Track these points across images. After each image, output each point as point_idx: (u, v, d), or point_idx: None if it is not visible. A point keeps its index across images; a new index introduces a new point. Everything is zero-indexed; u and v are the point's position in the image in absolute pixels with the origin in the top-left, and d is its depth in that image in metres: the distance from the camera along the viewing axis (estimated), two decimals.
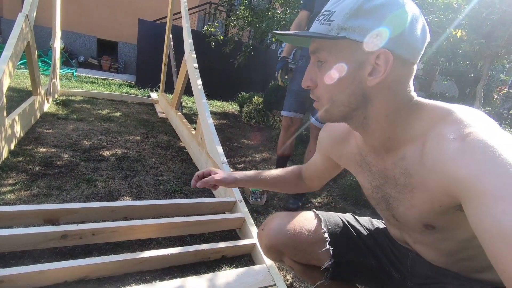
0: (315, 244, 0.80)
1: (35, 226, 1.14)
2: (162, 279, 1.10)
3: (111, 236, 1.17)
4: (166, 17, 3.94)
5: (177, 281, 1.04)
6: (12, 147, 1.87)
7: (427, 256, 0.70)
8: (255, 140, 3.30)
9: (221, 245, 1.25)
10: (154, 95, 4.28)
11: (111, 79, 5.59)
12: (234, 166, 2.40)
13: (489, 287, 0.62)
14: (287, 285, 1.13)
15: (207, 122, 1.93)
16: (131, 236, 1.22)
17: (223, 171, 0.90)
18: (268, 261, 1.20)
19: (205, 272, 1.17)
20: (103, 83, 4.82)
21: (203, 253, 1.22)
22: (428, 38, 0.55)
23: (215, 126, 1.93)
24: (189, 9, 2.76)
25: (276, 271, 1.18)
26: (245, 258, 1.32)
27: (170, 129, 2.97)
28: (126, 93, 4.16)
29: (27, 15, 1.99)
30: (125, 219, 1.32)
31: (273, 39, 4.25)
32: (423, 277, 0.72)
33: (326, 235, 0.81)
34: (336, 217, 0.87)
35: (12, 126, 1.84)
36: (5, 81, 1.63)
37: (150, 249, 1.24)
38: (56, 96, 3.20)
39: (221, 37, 4.24)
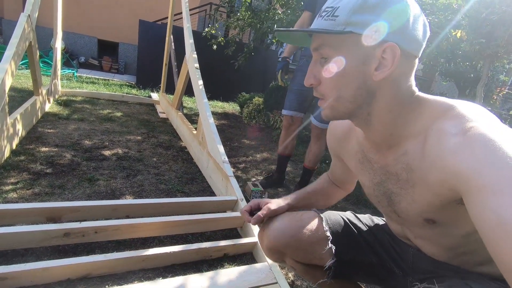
0: (316, 244, 0.80)
1: (37, 224, 1.14)
2: (164, 277, 1.10)
3: (113, 234, 1.17)
4: (166, 18, 3.96)
5: (179, 279, 1.04)
6: (14, 146, 1.87)
7: (428, 251, 0.71)
8: (255, 140, 3.31)
9: (223, 243, 1.26)
10: (154, 95, 4.29)
11: (111, 80, 5.60)
12: (235, 166, 2.41)
13: (489, 280, 0.63)
14: (288, 283, 1.13)
15: (208, 122, 1.93)
16: (133, 234, 1.22)
17: (272, 200, 0.87)
18: (270, 260, 1.21)
19: (207, 270, 1.18)
20: (104, 84, 4.83)
21: (205, 251, 1.22)
22: (428, 33, 0.56)
23: (216, 126, 1.93)
24: (189, 10, 2.77)
25: (278, 269, 1.18)
26: (246, 256, 1.32)
27: (171, 129, 2.97)
28: (126, 93, 4.16)
29: (29, 15, 2.00)
30: (127, 217, 1.32)
31: (273, 40, 4.27)
32: (424, 272, 0.73)
33: (328, 233, 0.81)
34: (337, 216, 0.87)
35: (14, 126, 1.85)
36: (7, 81, 1.64)
37: (152, 247, 1.24)
38: (57, 96, 3.21)
39: (222, 38, 4.25)
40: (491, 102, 5.58)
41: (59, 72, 3.27)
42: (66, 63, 5.89)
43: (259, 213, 0.81)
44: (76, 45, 6.90)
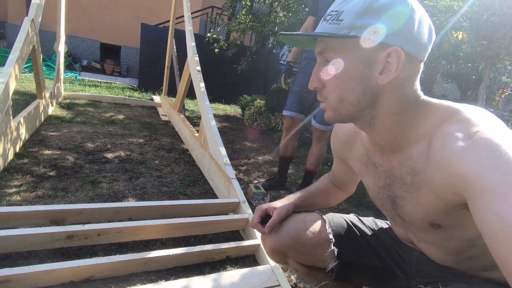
0: (319, 246, 0.80)
1: (41, 226, 1.15)
2: (167, 279, 1.10)
3: (116, 236, 1.17)
4: (168, 21, 3.99)
5: (182, 281, 1.04)
6: (18, 149, 1.88)
7: (432, 255, 0.70)
8: (257, 143, 3.31)
9: (225, 245, 1.26)
10: (156, 98, 4.31)
11: (114, 83, 5.63)
12: (237, 168, 2.41)
13: (494, 285, 0.62)
14: (291, 286, 1.13)
15: (210, 124, 1.94)
16: (136, 237, 1.23)
17: (278, 203, 0.87)
18: (272, 262, 1.20)
19: (210, 273, 1.18)
20: (106, 87, 4.86)
21: (208, 254, 1.22)
22: (434, 36, 0.55)
23: (218, 129, 1.94)
24: (191, 13, 2.79)
25: (280, 271, 1.18)
26: (249, 259, 1.32)
27: (173, 131, 2.98)
28: (129, 96, 4.19)
29: (32, 19, 2.02)
30: (130, 220, 1.32)
31: (274, 42, 4.28)
32: (428, 276, 0.72)
33: (331, 236, 0.80)
34: (340, 218, 0.87)
35: (17, 129, 1.86)
36: (11, 84, 1.65)
37: (155, 249, 1.24)
38: (60, 99, 3.23)
39: (223, 42, 4.27)
40: (493, 104, 5.57)
41: (62, 75, 3.29)
42: (69, 67, 5.93)
43: (271, 221, 0.80)
44: (78, 48, 6.95)
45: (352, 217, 0.89)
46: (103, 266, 1.03)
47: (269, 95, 4.02)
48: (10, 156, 1.75)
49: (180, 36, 3.70)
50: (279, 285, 1.12)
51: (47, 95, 2.66)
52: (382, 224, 0.89)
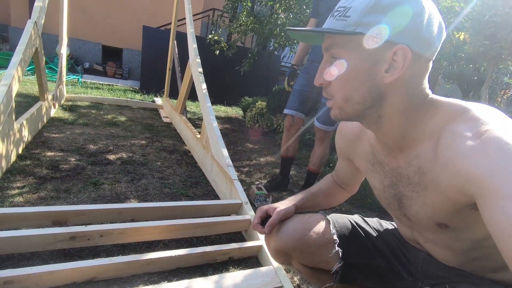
0: (323, 247, 0.79)
1: (43, 227, 1.15)
2: (169, 281, 1.10)
3: (118, 237, 1.17)
4: (169, 23, 4.00)
5: (185, 282, 1.04)
6: (20, 151, 1.89)
7: (438, 256, 0.69)
8: (259, 144, 3.31)
9: (227, 247, 1.25)
10: (158, 100, 4.32)
11: (115, 85, 5.65)
12: (239, 170, 2.41)
13: (503, 287, 0.62)
14: (294, 287, 1.12)
15: (212, 125, 1.94)
16: (138, 238, 1.22)
17: (279, 203, 0.86)
18: (275, 263, 1.20)
19: (212, 274, 1.17)
20: (108, 89, 4.87)
21: (210, 255, 1.22)
22: (444, 34, 0.55)
23: (219, 130, 1.94)
24: (193, 15, 2.80)
25: (283, 272, 1.17)
26: (251, 260, 1.31)
27: (174, 133, 2.99)
28: (130, 98, 4.20)
29: (35, 22, 2.03)
30: (132, 221, 1.32)
31: (275, 44, 4.29)
32: (434, 277, 0.71)
33: (335, 237, 0.79)
34: (344, 219, 0.86)
35: (20, 131, 1.87)
36: (14, 86, 1.66)
37: (157, 250, 1.24)
38: (62, 101, 3.24)
39: (225, 44, 4.28)
40: (495, 105, 5.55)
41: (64, 77, 3.31)
42: (71, 69, 5.96)
43: (271, 220, 0.80)
44: (80, 51, 6.99)
45: (356, 218, 0.88)
46: (105, 267, 1.03)
47: (270, 97, 4.02)
48: (13, 157, 1.76)
49: (181, 39, 3.71)
50: (282, 286, 1.11)
51: (50, 97, 2.67)
52: (387, 225, 0.88)
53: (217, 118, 4.22)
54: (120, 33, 7.07)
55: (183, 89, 2.94)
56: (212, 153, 1.95)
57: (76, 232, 1.10)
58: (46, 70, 3.11)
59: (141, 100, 4.27)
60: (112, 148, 2.27)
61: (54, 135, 2.29)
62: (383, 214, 0.91)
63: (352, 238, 0.82)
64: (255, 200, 1.84)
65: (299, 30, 0.59)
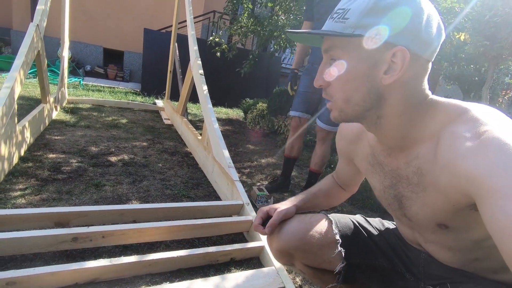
0: (326, 247, 0.79)
1: (46, 229, 1.15)
2: (171, 281, 1.10)
3: (120, 238, 1.17)
4: (170, 26, 4.02)
5: (186, 283, 1.04)
6: (23, 153, 1.90)
7: (439, 256, 0.69)
8: (260, 145, 3.31)
9: (229, 247, 1.25)
10: (159, 102, 4.33)
11: (117, 87, 5.67)
12: (240, 171, 2.41)
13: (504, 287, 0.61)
14: None
15: (213, 127, 1.94)
16: (140, 239, 1.22)
17: (280, 204, 0.86)
18: (277, 264, 1.20)
19: (214, 275, 1.17)
20: (109, 91, 4.89)
21: (212, 256, 1.22)
22: (444, 35, 0.55)
23: (220, 132, 1.95)
24: (193, 18, 2.82)
25: (285, 273, 1.17)
26: (253, 261, 1.31)
27: (175, 135, 2.99)
28: (132, 100, 4.21)
29: (37, 24, 2.04)
30: (134, 222, 1.32)
31: (276, 46, 4.30)
32: (437, 278, 0.71)
33: (337, 237, 0.79)
34: (347, 219, 0.86)
35: (22, 133, 1.88)
36: (16, 89, 1.67)
37: (159, 251, 1.24)
38: (64, 104, 3.26)
39: (226, 46, 4.29)
40: (496, 105, 5.54)
41: (66, 80, 3.32)
42: (72, 72, 5.98)
43: (271, 220, 0.80)
44: (82, 54, 7.02)
45: (358, 218, 0.88)
46: (107, 268, 1.03)
47: (271, 98, 4.03)
48: (15, 159, 1.77)
49: (182, 41, 3.73)
50: (284, 287, 1.11)
51: (51, 99, 2.68)
52: (389, 224, 0.88)
53: (218, 120, 4.23)
54: (121, 36, 7.11)
55: (184, 91, 2.95)
56: (213, 154, 1.95)
57: (78, 233, 1.10)
58: (48, 73, 3.13)
59: (142, 102, 4.28)
60: (113, 150, 2.28)
61: (56, 137, 2.30)
62: (384, 215, 0.91)
63: (354, 238, 0.82)
64: (256, 201, 1.84)
65: (298, 32, 0.59)
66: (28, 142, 2.01)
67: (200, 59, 2.46)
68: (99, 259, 1.04)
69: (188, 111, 4.05)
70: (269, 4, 4.03)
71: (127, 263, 1.06)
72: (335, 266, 0.79)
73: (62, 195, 1.54)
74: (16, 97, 1.67)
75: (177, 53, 3.73)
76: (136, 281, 1.08)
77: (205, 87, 2.24)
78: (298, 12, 3.80)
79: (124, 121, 3.15)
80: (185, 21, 2.91)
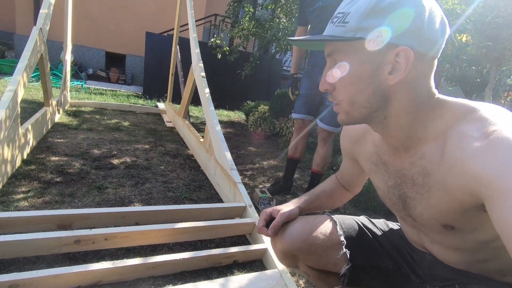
0: (331, 248, 0.78)
1: (48, 231, 1.15)
2: (174, 284, 1.09)
3: (123, 241, 1.17)
4: (172, 29, 4.04)
5: (189, 286, 1.03)
6: (25, 155, 1.90)
7: (445, 258, 0.68)
8: (262, 148, 3.31)
9: (232, 250, 1.25)
10: (161, 105, 4.35)
11: (119, 91, 5.69)
12: (242, 173, 2.40)
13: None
14: None
15: (215, 129, 1.94)
16: (143, 241, 1.22)
17: (283, 205, 0.86)
18: (280, 266, 1.19)
19: (217, 277, 1.16)
20: (112, 94, 4.91)
21: (215, 258, 1.21)
22: (448, 30, 0.54)
23: (222, 134, 1.95)
24: (195, 21, 2.83)
25: (289, 276, 1.16)
26: (256, 264, 1.30)
27: (177, 137, 3.00)
28: (134, 103, 4.23)
29: (41, 28, 2.06)
30: (137, 224, 1.32)
31: (277, 48, 4.31)
32: (443, 279, 0.70)
33: (342, 238, 0.79)
34: (351, 220, 0.86)
35: (25, 136, 1.88)
36: (19, 92, 1.68)
37: (162, 254, 1.24)
38: (66, 107, 3.27)
39: (227, 48, 4.31)
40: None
41: (68, 83, 3.34)
42: (75, 75, 6.02)
43: (274, 222, 0.79)
44: (84, 57, 7.06)
45: (363, 219, 0.88)
46: (110, 271, 1.02)
47: (273, 101, 4.03)
48: (18, 162, 1.77)
49: (184, 44, 3.75)
50: None
51: (54, 103, 2.69)
52: (394, 226, 0.87)
53: (220, 122, 4.21)
54: (123, 39, 7.15)
55: (185, 93, 2.96)
56: (216, 156, 1.95)
57: (81, 236, 1.09)
58: (51, 76, 3.15)
59: (144, 105, 4.30)
60: (115, 152, 2.28)
61: (58, 140, 2.30)
62: (388, 217, 0.90)
63: (359, 239, 0.81)
64: (259, 204, 1.84)
65: (300, 40, 0.59)
66: (31, 145, 2.01)
67: (202, 61, 2.47)
68: (102, 262, 1.04)
69: (190, 113, 4.06)
70: (270, 7, 4.05)
71: (130, 265, 1.05)
72: (340, 267, 0.79)
73: (65, 198, 1.54)
74: (19, 100, 1.68)
75: (179, 56, 3.75)
76: (139, 284, 1.07)
77: (207, 90, 2.25)
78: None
79: (126, 124, 3.16)
80: (187, 24, 2.93)
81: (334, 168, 2.76)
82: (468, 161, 0.47)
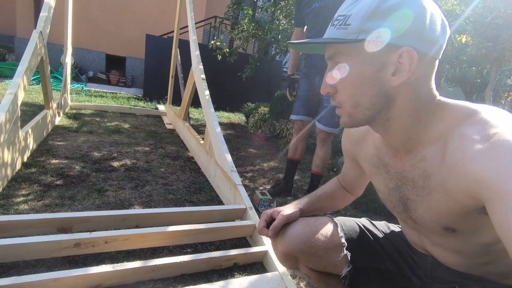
0: (332, 250, 0.78)
1: (48, 234, 1.15)
2: (174, 287, 1.09)
3: (123, 244, 1.17)
4: (172, 32, 4.05)
5: None
6: (25, 158, 1.90)
7: (446, 260, 0.68)
8: (262, 149, 3.30)
9: (232, 252, 1.24)
10: (161, 107, 4.35)
11: (119, 93, 5.70)
12: (242, 175, 2.40)
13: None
14: None
15: (215, 131, 1.94)
16: (143, 244, 1.22)
17: (284, 207, 0.86)
18: (281, 268, 1.19)
19: (218, 280, 1.16)
20: (112, 97, 4.92)
21: (215, 261, 1.21)
22: (449, 31, 0.54)
23: (222, 136, 1.95)
24: (195, 23, 2.84)
25: (289, 278, 1.16)
26: (257, 266, 1.30)
27: (178, 140, 3.00)
28: (134, 106, 4.23)
29: (41, 31, 2.06)
30: (137, 227, 1.32)
31: (277, 50, 4.31)
32: (444, 282, 0.70)
33: (343, 240, 0.78)
34: (352, 222, 0.85)
35: (25, 138, 1.88)
36: (20, 95, 1.68)
37: (162, 257, 1.23)
38: (67, 109, 3.27)
39: (227, 50, 4.32)
40: (499, 107, 5.51)
41: (68, 86, 3.34)
42: (75, 78, 6.03)
43: (275, 223, 0.79)
44: (84, 60, 7.08)
45: (364, 221, 0.87)
46: (110, 274, 1.02)
47: (273, 102, 4.03)
48: (18, 165, 1.77)
49: (184, 46, 3.76)
50: None
51: (54, 105, 2.70)
52: (395, 228, 0.87)
53: (220, 124, 4.22)
54: (123, 42, 7.17)
55: (186, 95, 2.96)
56: (216, 158, 1.95)
57: (81, 239, 1.09)
58: (51, 79, 3.15)
59: (145, 107, 4.30)
60: (116, 155, 2.28)
61: (58, 143, 2.30)
62: (389, 219, 0.90)
63: (360, 241, 0.81)
64: (259, 206, 1.83)
65: (301, 43, 0.60)
66: (31, 147, 2.01)
67: (202, 64, 2.47)
68: (102, 265, 1.04)
69: (190, 115, 4.06)
70: (270, 9, 4.05)
71: (130, 268, 1.05)
72: (341, 269, 0.78)
73: (65, 201, 1.54)
74: (19, 103, 1.68)
75: (179, 58, 3.75)
76: (139, 287, 1.07)
77: (207, 92, 2.25)
78: None
79: (126, 126, 3.16)
80: (187, 26, 2.94)
81: (335, 169, 2.76)
82: (469, 163, 0.47)
